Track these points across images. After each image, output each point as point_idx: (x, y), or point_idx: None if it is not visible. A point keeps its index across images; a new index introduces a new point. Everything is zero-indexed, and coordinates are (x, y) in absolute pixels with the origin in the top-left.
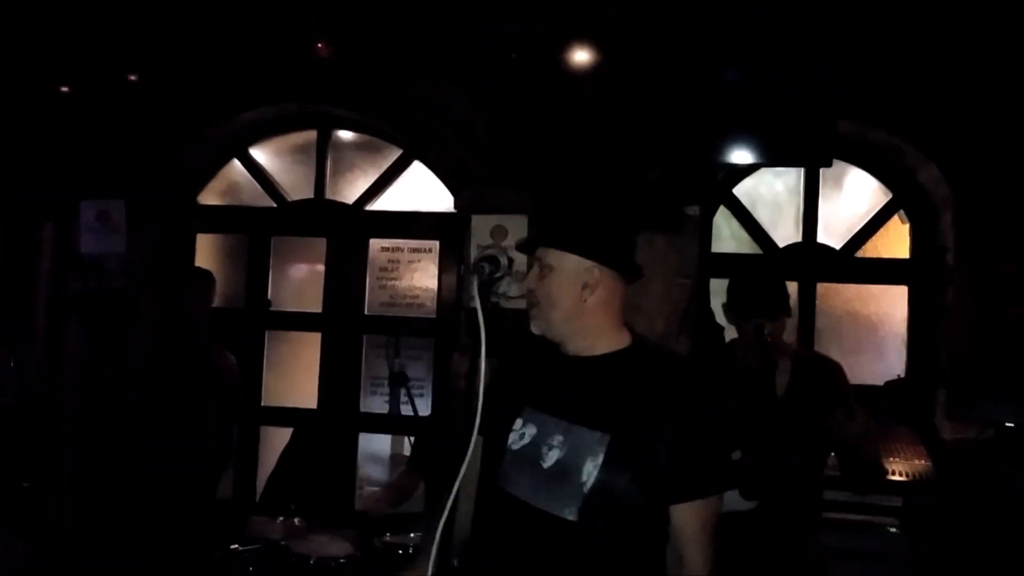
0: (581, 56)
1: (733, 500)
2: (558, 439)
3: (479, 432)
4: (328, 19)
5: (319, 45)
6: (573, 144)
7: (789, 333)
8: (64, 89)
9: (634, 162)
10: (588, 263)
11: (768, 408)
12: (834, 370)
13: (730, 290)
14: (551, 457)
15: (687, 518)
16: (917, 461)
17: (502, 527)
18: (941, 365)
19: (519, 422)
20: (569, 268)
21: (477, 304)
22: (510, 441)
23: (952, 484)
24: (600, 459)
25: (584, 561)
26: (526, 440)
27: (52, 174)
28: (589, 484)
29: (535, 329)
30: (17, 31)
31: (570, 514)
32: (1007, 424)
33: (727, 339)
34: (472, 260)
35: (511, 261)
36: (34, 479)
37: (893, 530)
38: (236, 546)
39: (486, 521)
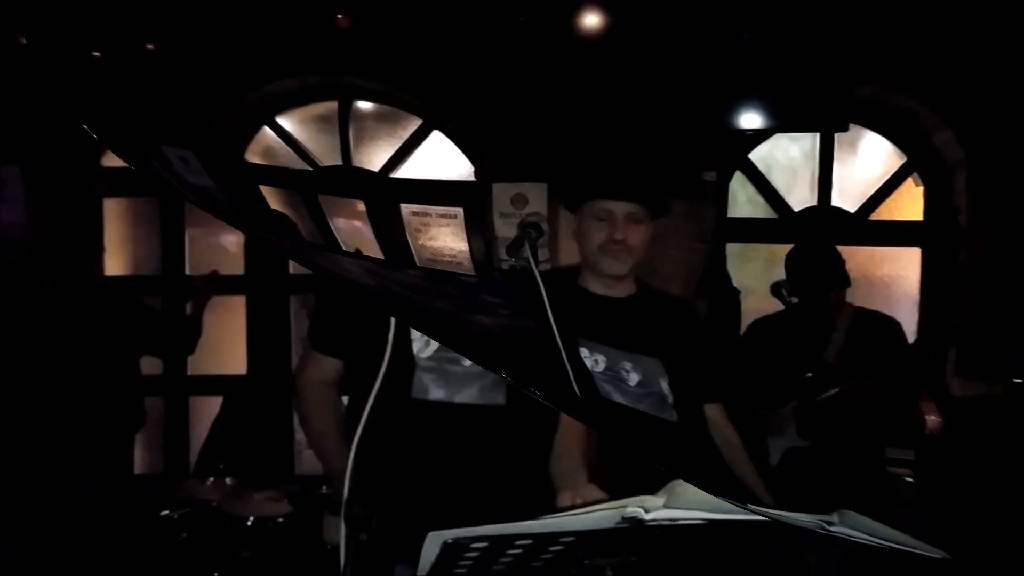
0: (592, 20)
1: (791, 439)
2: (628, 365)
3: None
4: None
5: (339, 16)
6: (589, 111)
7: (851, 289)
8: (96, 53)
9: (650, 127)
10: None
11: (816, 369)
12: (888, 328)
13: (788, 264)
14: (632, 379)
15: (713, 412)
16: (930, 416)
17: (428, 436)
18: (952, 325)
19: (584, 351)
20: (650, 220)
21: (533, 267)
22: (416, 352)
23: (961, 438)
24: (665, 380)
25: (516, 437)
26: (434, 345)
27: None
28: (669, 399)
29: (619, 270)
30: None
31: (500, 399)
32: (1015, 380)
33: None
34: (519, 224)
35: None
36: None
37: (909, 480)
38: (166, 512)
39: (405, 437)
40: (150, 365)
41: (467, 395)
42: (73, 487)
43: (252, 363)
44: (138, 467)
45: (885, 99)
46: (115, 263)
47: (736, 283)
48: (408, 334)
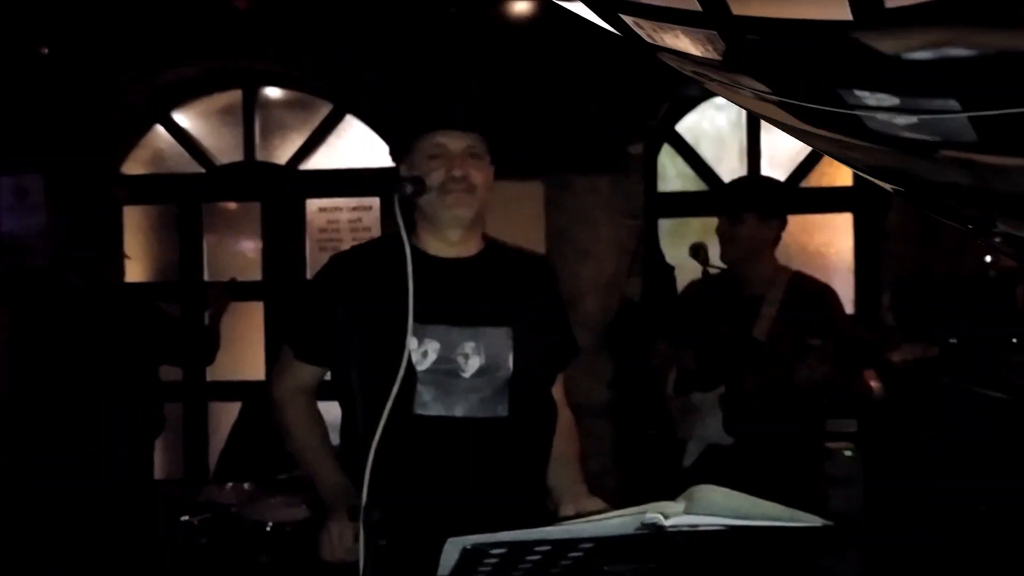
0: (520, 2)
1: (716, 435)
2: (470, 346)
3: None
4: None
5: None
6: (513, 87)
7: (788, 259)
8: None
9: (574, 102)
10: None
11: (745, 347)
12: (826, 299)
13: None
14: (472, 365)
15: (559, 382)
16: (871, 384)
17: (428, 451)
18: (884, 288)
19: (413, 341)
20: (489, 160)
21: (400, 223)
22: (415, 363)
23: (902, 404)
24: (511, 352)
25: (520, 448)
26: (432, 357)
27: None
28: (511, 378)
29: (464, 214)
30: None
31: (502, 411)
32: (951, 340)
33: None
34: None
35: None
36: None
37: (848, 454)
38: (186, 517)
39: (403, 451)
40: (170, 370)
41: (466, 408)
42: (93, 491)
43: (270, 369)
44: (158, 472)
45: None
46: (134, 269)
47: (669, 259)
48: (405, 344)
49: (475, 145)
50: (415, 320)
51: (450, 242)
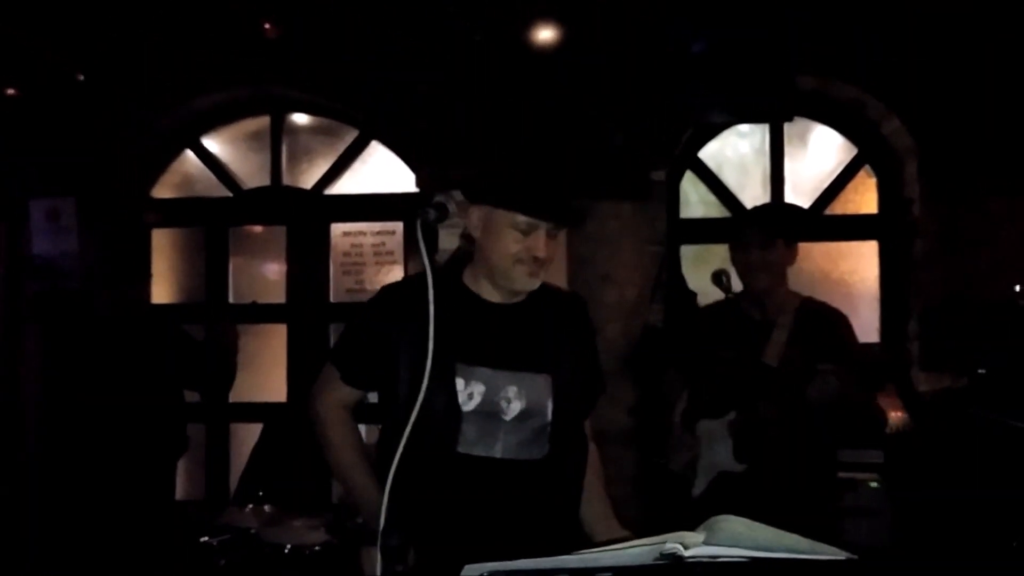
0: (544, 30)
1: (726, 462)
2: (513, 390)
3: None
4: None
5: (267, 26)
6: (537, 115)
7: (800, 286)
8: (11, 91)
9: (597, 129)
10: None
11: (756, 372)
12: (837, 324)
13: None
14: (513, 409)
15: (587, 422)
16: (895, 414)
17: (468, 490)
18: (912, 317)
19: (460, 382)
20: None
21: (422, 248)
22: (461, 403)
23: (929, 435)
24: (551, 398)
25: (556, 489)
26: (477, 399)
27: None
28: (549, 422)
29: (533, 285)
30: None
31: (539, 453)
32: (979, 371)
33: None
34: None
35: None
36: None
37: (874, 485)
38: (206, 538)
39: (444, 489)
40: (192, 392)
41: (505, 449)
42: (116, 510)
43: (292, 391)
44: (180, 493)
45: (829, 90)
46: (162, 290)
47: (691, 286)
48: (454, 384)
49: (558, 228)
50: (462, 361)
51: (505, 296)
